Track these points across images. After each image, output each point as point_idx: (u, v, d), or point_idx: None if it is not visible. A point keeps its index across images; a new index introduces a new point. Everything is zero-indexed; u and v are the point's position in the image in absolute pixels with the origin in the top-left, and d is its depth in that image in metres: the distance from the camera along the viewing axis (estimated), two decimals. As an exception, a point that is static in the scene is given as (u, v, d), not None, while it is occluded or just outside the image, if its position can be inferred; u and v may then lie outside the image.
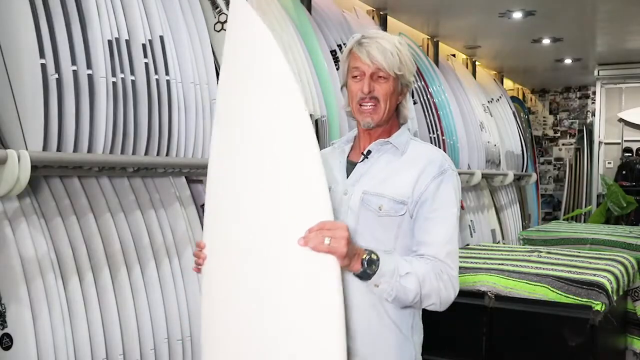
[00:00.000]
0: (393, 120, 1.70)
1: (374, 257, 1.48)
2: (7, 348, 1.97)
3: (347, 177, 1.68)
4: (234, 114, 1.59)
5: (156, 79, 2.34)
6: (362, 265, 1.47)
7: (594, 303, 2.39)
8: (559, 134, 9.43)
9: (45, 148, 1.99)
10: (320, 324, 1.42)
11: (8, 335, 1.97)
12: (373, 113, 1.63)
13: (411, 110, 4.02)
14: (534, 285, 2.55)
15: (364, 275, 1.49)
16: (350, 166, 1.70)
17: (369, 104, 1.63)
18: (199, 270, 1.66)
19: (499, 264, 2.87)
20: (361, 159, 1.68)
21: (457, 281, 1.58)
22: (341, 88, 1.74)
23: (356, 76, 1.64)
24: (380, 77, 1.61)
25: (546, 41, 6.11)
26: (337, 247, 1.40)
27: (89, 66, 2.10)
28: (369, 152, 1.68)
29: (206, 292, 1.65)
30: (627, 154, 8.24)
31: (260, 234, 1.51)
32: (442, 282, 1.54)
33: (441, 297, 1.55)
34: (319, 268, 1.42)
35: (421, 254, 1.58)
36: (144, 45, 2.32)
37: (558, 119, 9.42)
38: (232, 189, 1.58)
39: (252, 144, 1.54)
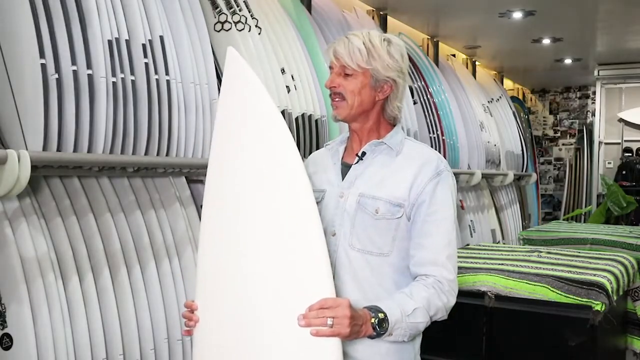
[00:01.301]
0: (380, 120, 1.68)
1: (381, 315, 1.45)
2: (7, 348, 1.97)
3: (342, 179, 1.67)
4: (228, 170, 1.58)
5: (156, 79, 2.34)
6: (375, 329, 1.44)
7: (594, 303, 2.39)
8: (559, 134, 9.43)
9: (45, 148, 1.99)
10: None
11: (8, 335, 1.97)
12: (338, 107, 1.64)
13: (406, 109, 4.02)
14: (534, 285, 2.55)
15: (378, 336, 1.47)
16: (345, 168, 1.68)
17: (336, 98, 1.64)
18: (189, 333, 1.61)
19: (499, 264, 2.87)
20: (356, 161, 1.67)
21: (456, 284, 1.59)
22: None
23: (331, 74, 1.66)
24: (347, 73, 1.61)
25: (546, 41, 6.11)
26: (340, 329, 1.38)
27: (89, 66, 2.10)
28: (364, 153, 1.66)
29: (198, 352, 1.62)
30: (627, 154, 8.24)
31: (258, 306, 1.48)
32: (445, 295, 1.54)
33: (446, 308, 1.56)
34: (320, 347, 1.40)
35: (420, 259, 1.57)
36: (144, 45, 2.32)
37: (558, 119, 9.42)
38: (226, 256, 1.55)
39: (246, 191, 1.52)
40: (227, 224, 1.57)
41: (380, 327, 1.44)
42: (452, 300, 1.57)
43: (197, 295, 1.62)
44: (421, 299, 1.51)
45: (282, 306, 1.44)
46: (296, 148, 1.49)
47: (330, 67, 1.65)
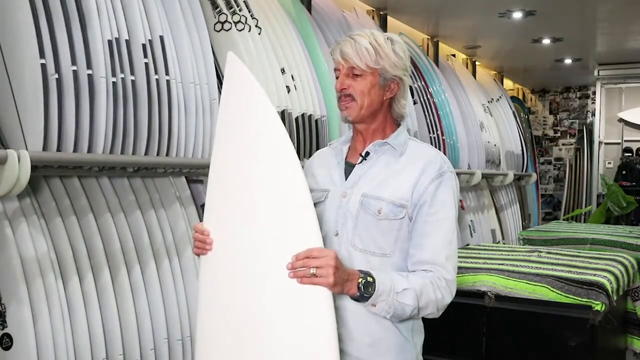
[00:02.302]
0: (387, 119, 1.68)
1: (369, 279, 1.47)
2: (7, 348, 1.97)
3: (346, 179, 1.67)
4: (229, 164, 1.62)
5: (156, 79, 2.34)
6: (359, 289, 1.46)
7: (594, 303, 2.39)
8: (559, 134, 9.43)
9: (45, 148, 1.99)
10: (314, 350, 1.44)
11: (8, 335, 1.97)
12: (349, 108, 1.63)
13: (409, 107, 4.02)
14: (534, 285, 2.55)
15: (361, 299, 1.49)
16: (349, 168, 1.69)
17: (345, 100, 1.63)
18: (202, 253, 1.62)
19: (499, 264, 2.87)
20: (359, 161, 1.67)
21: (455, 284, 1.58)
22: None
23: (337, 77, 1.65)
24: (356, 74, 1.61)
25: (546, 41, 6.11)
26: (322, 279, 1.41)
27: (89, 66, 2.10)
28: (367, 153, 1.66)
29: (203, 308, 1.66)
30: (627, 154, 8.24)
31: (253, 263, 1.53)
32: (440, 291, 1.54)
33: (438, 305, 1.55)
34: (310, 296, 1.43)
35: (419, 259, 1.57)
36: (144, 45, 2.32)
37: (558, 119, 9.42)
38: (227, 256, 1.60)
39: (246, 187, 1.56)
40: (228, 224, 1.59)
41: (365, 289, 1.47)
42: (447, 299, 1.57)
43: (200, 294, 1.65)
44: (415, 284, 1.51)
45: (282, 301, 1.47)
46: (294, 150, 1.50)
47: (336, 69, 1.65)
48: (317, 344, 1.44)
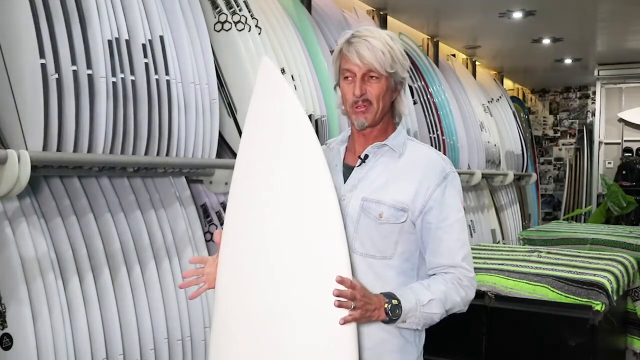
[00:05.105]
0: (388, 119, 1.66)
1: (395, 302, 1.48)
2: (7, 348, 1.97)
3: (344, 181, 1.65)
4: (255, 169, 1.62)
5: (156, 79, 2.34)
6: (387, 314, 1.47)
7: (594, 303, 2.39)
8: (559, 134, 9.43)
9: (45, 148, 1.99)
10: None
11: (8, 335, 1.97)
12: (366, 112, 1.59)
13: (409, 107, 4.03)
14: (534, 285, 2.55)
15: (391, 322, 1.50)
16: (347, 170, 1.66)
17: (363, 105, 1.58)
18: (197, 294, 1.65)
19: (499, 264, 2.87)
20: (358, 164, 1.65)
21: (475, 280, 1.62)
22: (334, 87, 1.71)
23: (347, 77, 1.60)
24: (372, 77, 1.57)
25: (546, 41, 6.11)
26: (354, 314, 1.42)
27: (89, 66, 2.10)
28: (366, 156, 1.64)
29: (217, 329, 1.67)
30: (627, 154, 8.24)
31: (275, 266, 1.53)
32: (463, 289, 1.57)
33: (464, 302, 1.59)
34: (335, 331, 1.43)
35: (437, 264, 1.58)
36: (144, 45, 2.32)
37: (558, 119, 9.42)
38: (250, 242, 1.60)
39: (272, 190, 1.57)
40: (250, 225, 1.60)
41: (394, 313, 1.48)
42: (471, 294, 1.60)
43: (218, 290, 1.65)
44: (438, 292, 1.53)
45: (304, 302, 1.48)
46: (323, 155, 1.51)
47: (348, 70, 1.59)
48: (338, 353, 1.44)
